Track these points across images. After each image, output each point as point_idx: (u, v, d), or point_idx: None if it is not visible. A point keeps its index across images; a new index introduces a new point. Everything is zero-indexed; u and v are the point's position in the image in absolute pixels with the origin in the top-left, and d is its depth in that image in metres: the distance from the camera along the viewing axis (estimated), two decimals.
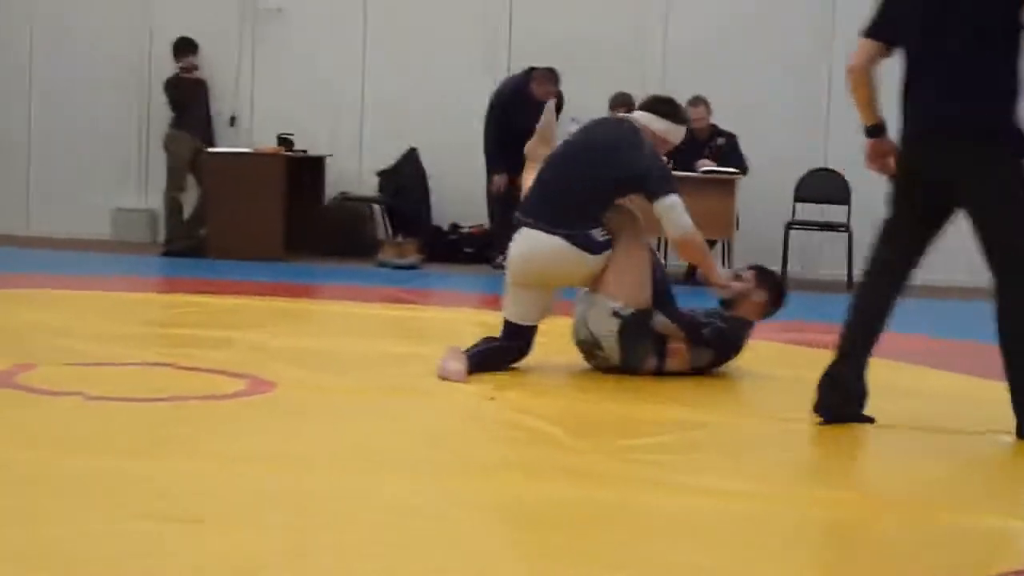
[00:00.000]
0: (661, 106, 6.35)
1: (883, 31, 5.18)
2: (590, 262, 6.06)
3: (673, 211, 6.04)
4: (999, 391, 5.07)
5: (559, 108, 11.30)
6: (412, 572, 3.24)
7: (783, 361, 7.03)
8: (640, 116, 6.32)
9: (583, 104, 11.10)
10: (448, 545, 3.48)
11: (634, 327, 6.03)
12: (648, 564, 3.38)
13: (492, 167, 11.50)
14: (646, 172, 6.06)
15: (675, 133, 6.33)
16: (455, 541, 3.52)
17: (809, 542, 3.69)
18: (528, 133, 6.87)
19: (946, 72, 5.02)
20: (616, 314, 6.03)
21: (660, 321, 6.12)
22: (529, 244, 6.11)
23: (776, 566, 3.43)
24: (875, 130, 5.27)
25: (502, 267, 6.77)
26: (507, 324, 6.21)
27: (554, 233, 6.03)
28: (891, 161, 5.24)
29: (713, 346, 6.22)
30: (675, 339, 6.15)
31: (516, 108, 11.24)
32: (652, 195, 6.05)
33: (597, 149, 6.17)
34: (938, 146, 5.07)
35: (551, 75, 11.32)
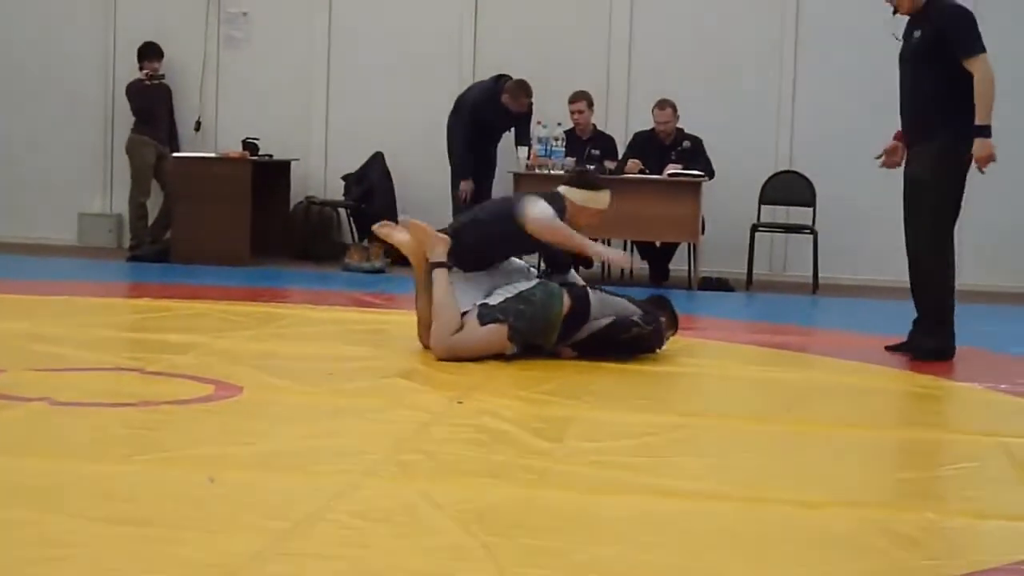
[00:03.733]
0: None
1: None
2: None
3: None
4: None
5: (529, 117, 11.31)
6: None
7: (750, 362, 7.06)
8: (561, 189, 6.87)
9: (546, 102, 11.16)
10: (419, 548, 3.48)
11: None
12: (621, 566, 3.40)
13: (459, 173, 11.44)
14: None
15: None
16: (426, 545, 3.51)
17: (779, 544, 3.69)
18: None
19: None
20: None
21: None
22: None
23: (750, 568, 3.44)
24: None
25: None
26: None
27: None
28: None
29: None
30: None
31: (486, 116, 11.23)
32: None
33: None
34: None
35: (524, 87, 11.26)
